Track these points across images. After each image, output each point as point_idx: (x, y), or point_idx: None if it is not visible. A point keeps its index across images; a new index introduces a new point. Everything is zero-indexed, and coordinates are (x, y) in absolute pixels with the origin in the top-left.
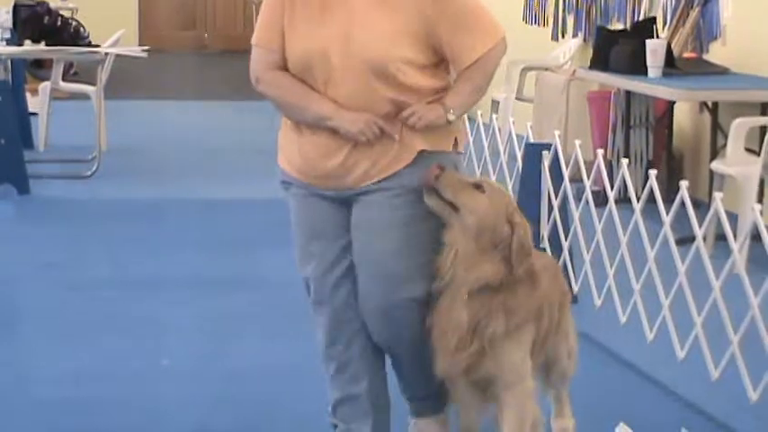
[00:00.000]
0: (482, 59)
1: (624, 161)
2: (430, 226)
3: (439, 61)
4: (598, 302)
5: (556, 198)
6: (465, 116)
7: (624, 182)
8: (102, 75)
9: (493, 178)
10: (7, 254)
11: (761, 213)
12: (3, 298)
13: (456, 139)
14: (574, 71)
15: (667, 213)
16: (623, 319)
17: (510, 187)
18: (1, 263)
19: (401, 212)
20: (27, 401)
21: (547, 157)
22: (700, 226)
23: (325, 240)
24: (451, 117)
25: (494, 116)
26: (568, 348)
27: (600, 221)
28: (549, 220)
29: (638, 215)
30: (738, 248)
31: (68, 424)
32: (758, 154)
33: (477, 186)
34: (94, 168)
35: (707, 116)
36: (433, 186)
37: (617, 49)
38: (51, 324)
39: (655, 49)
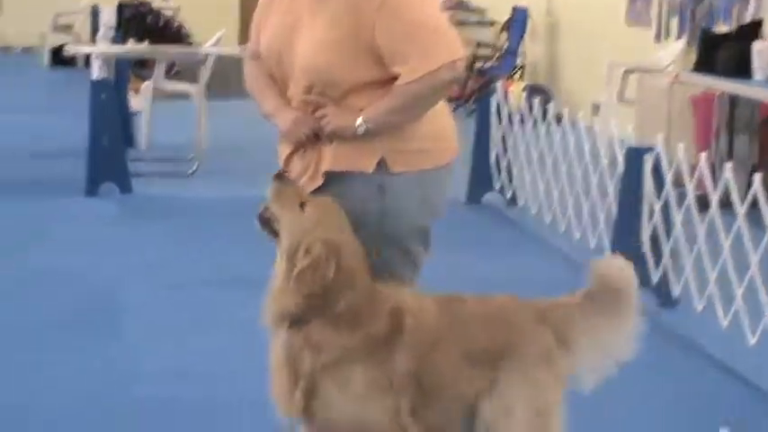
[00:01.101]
0: (415, 82)
1: (728, 165)
2: None
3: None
4: (699, 307)
5: (658, 202)
6: (435, 131)
7: (727, 186)
8: (204, 74)
9: (593, 182)
10: (109, 252)
11: None
12: (105, 296)
13: (384, 159)
14: (677, 74)
15: None
16: (725, 324)
17: (611, 191)
18: (103, 261)
19: None
20: (130, 400)
21: (649, 161)
22: None
23: None
24: (361, 129)
25: (595, 119)
26: (517, 423)
27: (702, 226)
28: (650, 224)
29: (741, 220)
30: None
31: (171, 422)
32: None
33: (302, 205)
34: (195, 167)
35: None
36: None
37: (722, 52)
38: (153, 322)
39: (761, 52)
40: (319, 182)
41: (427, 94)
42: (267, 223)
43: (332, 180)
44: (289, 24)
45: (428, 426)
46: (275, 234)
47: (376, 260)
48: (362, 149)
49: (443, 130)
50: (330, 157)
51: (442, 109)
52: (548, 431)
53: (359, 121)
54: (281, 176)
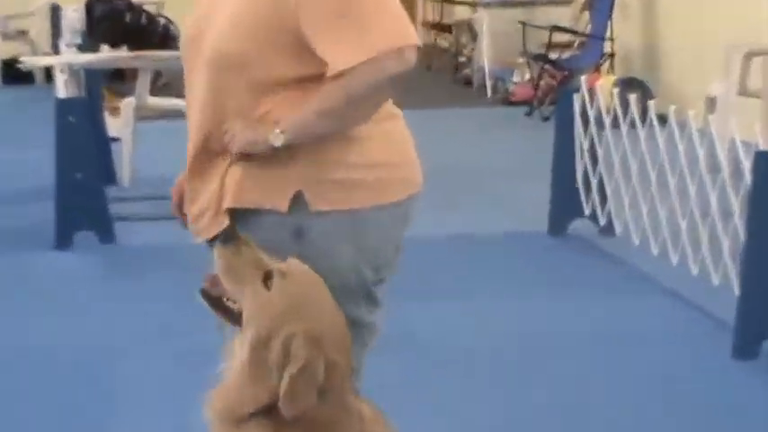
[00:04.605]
0: (346, 76)
1: None
2: None
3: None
4: None
5: None
6: (374, 154)
7: None
8: None
9: (713, 200)
10: (91, 320)
11: None
12: (91, 374)
13: (301, 192)
14: None
15: None
16: None
17: (736, 211)
18: (84, 331)
19: None
20: None
21: None
22: None
23: None
24: (277, 141)
25: (710, 118)
26: None
27: None
28: None
29: None
30: None
31: None
32: None
33: (266, 277)
34: None
35: None
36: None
37: None
38: (155, 403)
39: None
40: (224, 223)
41: (364, 92)
42: (218, 303)
43: (239, 220)
44: (206, 6)
45: None
46: (232, 317)
47: None
48: (273, 179)
49: (389, 153)
50: (232, 191)
51: (391, 125)
52: None
53: (276, 131)
54: (230, 237)
